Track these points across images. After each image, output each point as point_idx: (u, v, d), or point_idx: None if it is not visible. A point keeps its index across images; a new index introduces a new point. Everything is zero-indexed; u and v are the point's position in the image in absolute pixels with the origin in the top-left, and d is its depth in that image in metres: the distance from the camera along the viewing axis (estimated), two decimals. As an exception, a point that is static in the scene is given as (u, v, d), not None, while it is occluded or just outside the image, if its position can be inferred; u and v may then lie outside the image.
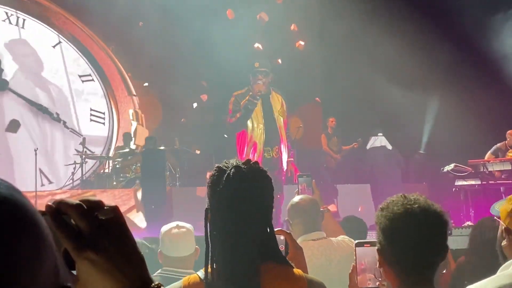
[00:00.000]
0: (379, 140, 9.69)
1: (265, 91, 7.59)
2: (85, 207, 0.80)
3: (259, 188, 1.85)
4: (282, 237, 2.04)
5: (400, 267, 1.76)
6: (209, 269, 1.82)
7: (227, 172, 1.83)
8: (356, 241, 2.01)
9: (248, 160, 1.90)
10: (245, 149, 7.65)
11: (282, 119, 7.75)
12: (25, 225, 0.69)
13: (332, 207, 8.78)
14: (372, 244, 1.97)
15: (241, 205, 1.81)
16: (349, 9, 10.75)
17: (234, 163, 1.87)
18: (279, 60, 10.42)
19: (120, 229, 0.83)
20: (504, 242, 2.34)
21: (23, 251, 0.67)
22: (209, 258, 1.82)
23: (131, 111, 11.99)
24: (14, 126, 10.49)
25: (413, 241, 1.73)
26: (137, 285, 0.82)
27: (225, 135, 10.41)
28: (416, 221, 1.73)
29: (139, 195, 9.65)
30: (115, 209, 0.83)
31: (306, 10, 11.48)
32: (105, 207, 0.82)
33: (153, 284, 0.83)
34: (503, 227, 2.33)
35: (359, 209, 10.40)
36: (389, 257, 1.77)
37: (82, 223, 0.79)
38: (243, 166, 1.85)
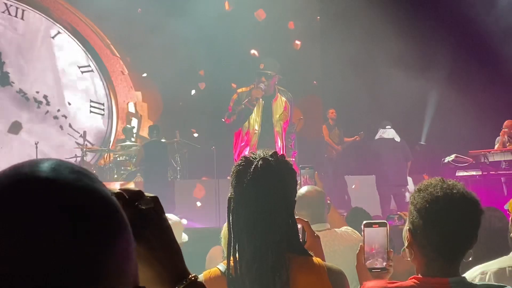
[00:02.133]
0: (387, 133, 9.67)
1: (266, 94, 7.50)
2: (127, 197, 0.80)
3: (285, 181, 1.87)
4: (299, 226, 2.04)
5: (431, 249, 1.76)
6: (231, 262, 1.81)
7: (255, 164, 1.84)
8: (365, 222, 2.00)
9: (275, 152, 1.91)
10: (238, 149, 7.60)
11: (281, 123, 7.65)
12: (119, 222, 0.67)
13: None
14: (380, 225, 1.97)
15: (268, 197, 1.82)
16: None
17: (262, 155, 1.88)
18: (318, 18, 10.43)
19: (160, 219, 0.83)
20: None
21: (117, 250, 0.65)
22: (231, 249, 1.81)
23: (131, 104, 11.96)
24: (16, 127, 10.50)
25: (448, 226, 1.73)
26: (174, 275, 0.82)
27: (222, 119, 10.45)
28: (456, 206, 1.74)
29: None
30: (155, 199, 0.84)
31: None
32: (146, 197, 0.83)
33: (190, 275, 0.84)
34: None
35: (353, 186, 10.44)
36: (420, 238, 1.77)
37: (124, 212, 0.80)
38: (270, 159, 1.86)
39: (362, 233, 1.98)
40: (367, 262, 1.96)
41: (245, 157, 1.90)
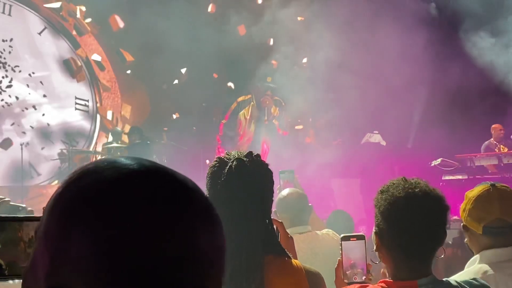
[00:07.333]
0: (373, 137, 9.69)
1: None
2: None
3: (261, 181, 1.85)
4: (274, 227, 2.02)
5: (399, 251, 1.73)
6: None
7: (229, 164, 1.82)
8: (342, 235, 1.98)
9: (250, 153, 1.88)
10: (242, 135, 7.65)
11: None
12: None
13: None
14: (358, 237, 1.96)
15: (243, 198, 1.80)
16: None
17: (236, 155, 1.86)
18: (271, 40, 10.56)
19: None
20: (466, 239, 2.40)
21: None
22: None
23: (110, 113, 11.80)
24: (6, 144, 10.39)
25: (413, 225, 1.69)
26: None
27: (203, 104, 10.58)
28: (418, 205, 1.70)
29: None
30: None
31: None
32: None
33: None
34: (461, 224, 2.39)
35: (338, 190, 10.42)
36: (387, 240, 1.74)
37: None
38: (245, 159, 1.84)
39: (340, 247, 1.96)
40: (347, 274, 1.95)
41: (219, 157, 1.88)
